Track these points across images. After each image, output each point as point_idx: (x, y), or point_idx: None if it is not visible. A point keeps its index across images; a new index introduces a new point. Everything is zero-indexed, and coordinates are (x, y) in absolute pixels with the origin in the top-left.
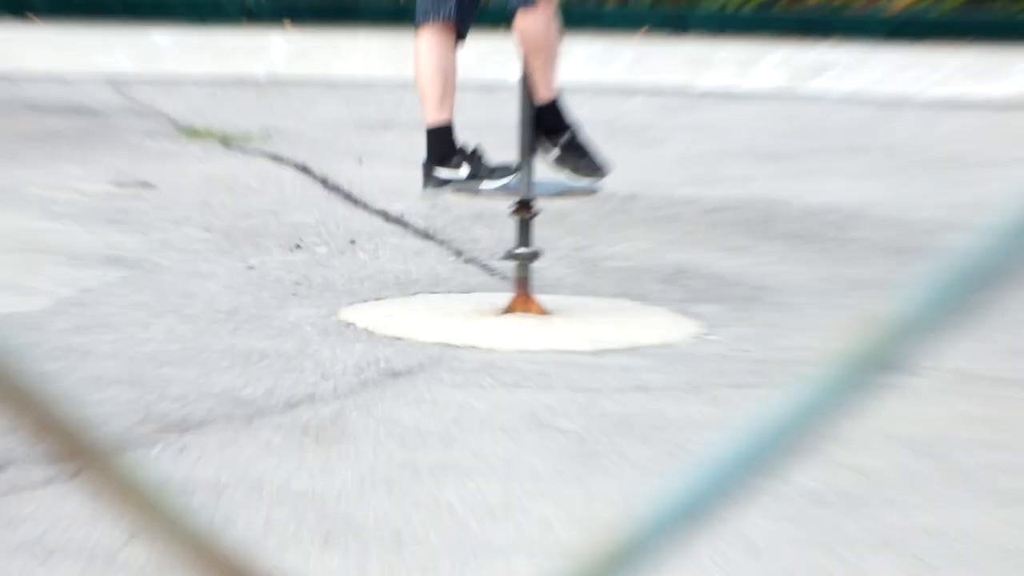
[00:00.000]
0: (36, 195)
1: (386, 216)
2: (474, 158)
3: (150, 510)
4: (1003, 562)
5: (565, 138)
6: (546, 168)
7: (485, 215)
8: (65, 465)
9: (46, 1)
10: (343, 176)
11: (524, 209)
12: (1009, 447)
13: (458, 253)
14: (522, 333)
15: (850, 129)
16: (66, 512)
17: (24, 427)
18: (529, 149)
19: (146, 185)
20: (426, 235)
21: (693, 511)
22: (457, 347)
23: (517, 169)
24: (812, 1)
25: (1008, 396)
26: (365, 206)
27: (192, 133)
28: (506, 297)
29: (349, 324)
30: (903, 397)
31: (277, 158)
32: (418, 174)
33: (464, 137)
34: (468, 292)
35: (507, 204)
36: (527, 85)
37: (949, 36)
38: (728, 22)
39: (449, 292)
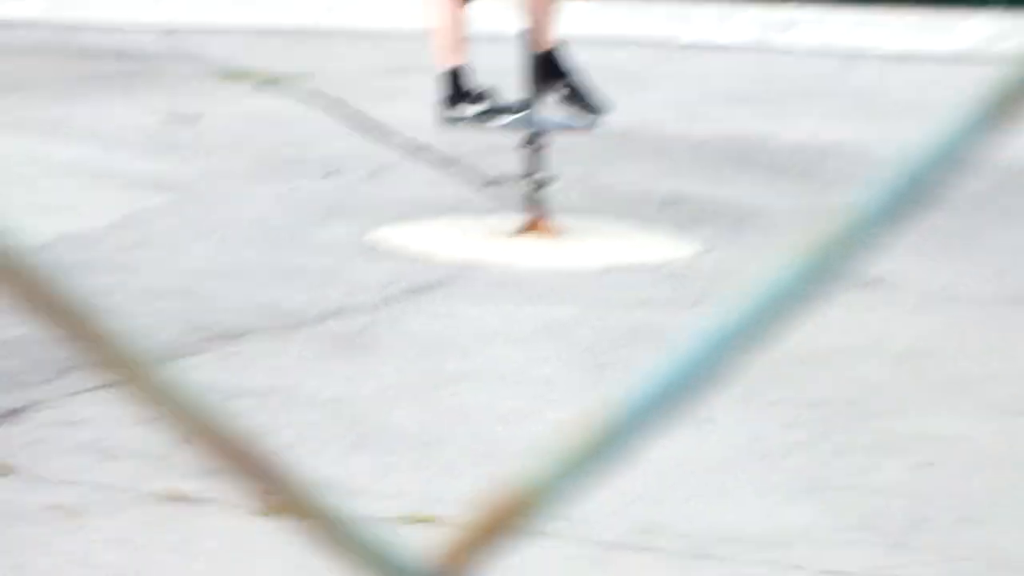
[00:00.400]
0: (92, 128)
1: (410, 147)
2: (487, 97)
3: (188, 418)
4: (996, 465)
5: (568, 81)
6: (552, 106)
7: (497, 147)
8: (104, 375)
9: None
10: (372, 112)
11: (532, 141)
12: (993, 358)
13: (475, 179)
14: (534, 252)
15: (817, 77)
16: (125, 414)
17: (67, 339)
18: (536, 90)
19: (192, 120)
20: (446, 164)
21: (670, 394)
22: (475, 265)
23: (525, 107)
24: None
25: (990, 313)
26: (392, 139)
27: (236, 75)
28: (519, 219)
29: (377, 244)
30: (894, 314)
31: (314, 95)
32: (438, 111)
33: (479, 80)
34: (484, 215)
35: (517, 137)
36: (532, 35)
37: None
38: None
39: (467, 215)
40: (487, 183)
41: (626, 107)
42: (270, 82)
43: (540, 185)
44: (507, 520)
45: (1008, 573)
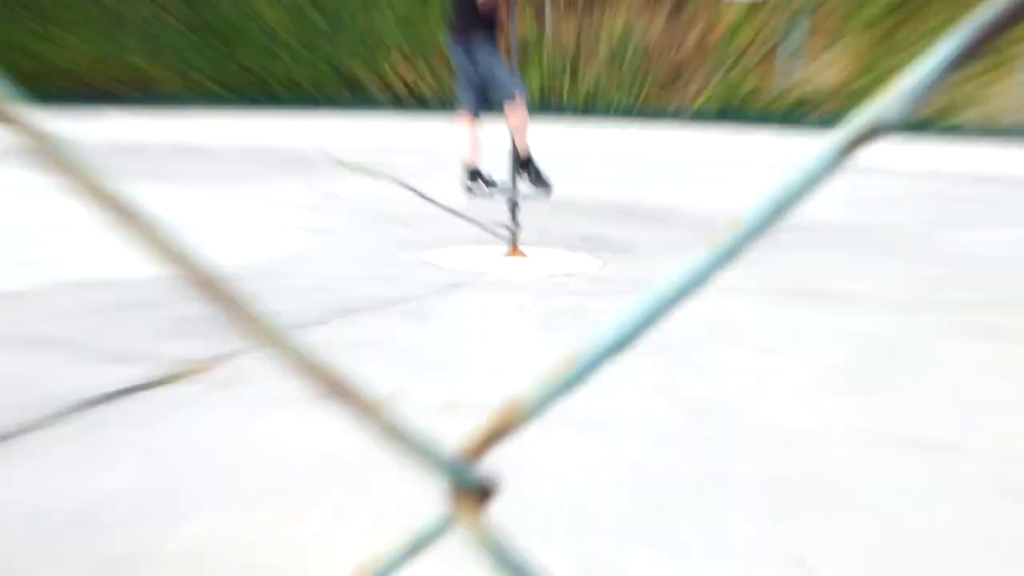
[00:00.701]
0: (277, 197)
1: (447, 208)
2: (489, 180)
3: (301, 362)
4: (759, 380)
5: (533, 170)
6: (524, 185)
7: (494, 207)
8: (254, 343)
9: (289, 95)
10: (426, 189)
11: (514, 205)
12: (765, 323)
13: (481, 226)
14: (513, 266)
15: (670, 169)
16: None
17: (233, 320)
18: (514, 176)
19: (331, 194)
20: (466, 217)
21: (612, 346)
22: (482, 273)
23: (509, 185)
24: (654, 101)
25: (770, 300)
26: (437, 203)
27: (354, 167)
28: (505, 248)
29: (429, 262)
30: (706, 298)
31: (395, 180)
32: (461, 188)
33: (484, 168)
34: (486, 245)
35: (504, 202)
36: (513, 144)
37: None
38: (609, 110)
39: (478, 245)
40: (489, 227)
41: (564, 185)
42: (370, 172)
43: (516, 229)
44: (511, 423)
45: (752, 439)
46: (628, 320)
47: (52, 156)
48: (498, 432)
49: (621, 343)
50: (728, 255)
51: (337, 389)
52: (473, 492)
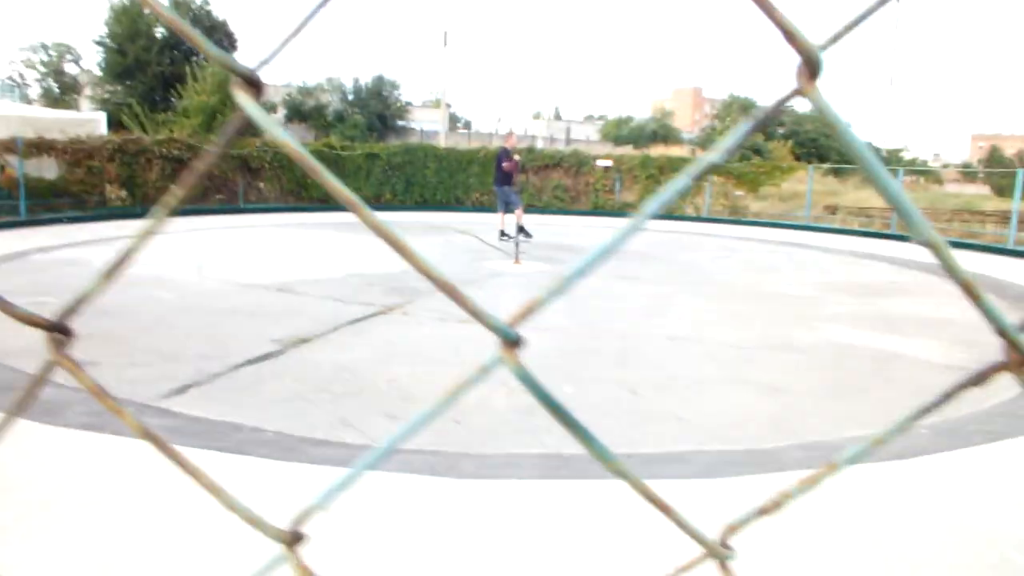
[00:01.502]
0: (421, 243)
1: (492, 247)
2: (508, 235)
3: (460, 299)
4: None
5: (525, 231)
6: (521, 237)
7: (509, 245)
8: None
9: (431, 203)
10: (485, 239)
11: (517, 244)
12: (614, 289)
13: (506, 253)
14: (518, 269)
15: (573, 230)
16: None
17: (435, 284)
18: (518, 233)
19: (447, 241)
20: (498, 250)
21: (580, 271)
22: (505, 271)
23: (515, 236)
24: (568, 206)
25: (615, 280)
26: (490, 245)
27: (460, 231)
28: (513, 260)
29: (488, 268)
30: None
31: (473, 236)
32: (496, 238)
33: (507, 230)
34: (507, 259)
35: (514, 242)
36: (517, 222)
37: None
38: (552, 210)
39: (502, 259)
40: (508, 251)
41: (537, 236)
42: (464, 232)
43: (518, 251)
44: (533, 307)
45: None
46: (584, 262)
47: (367, 220)
48: (527, 312)
49: (581, 273)
50: (628, 234)
51: (465, 305)
52: (513, 343)
